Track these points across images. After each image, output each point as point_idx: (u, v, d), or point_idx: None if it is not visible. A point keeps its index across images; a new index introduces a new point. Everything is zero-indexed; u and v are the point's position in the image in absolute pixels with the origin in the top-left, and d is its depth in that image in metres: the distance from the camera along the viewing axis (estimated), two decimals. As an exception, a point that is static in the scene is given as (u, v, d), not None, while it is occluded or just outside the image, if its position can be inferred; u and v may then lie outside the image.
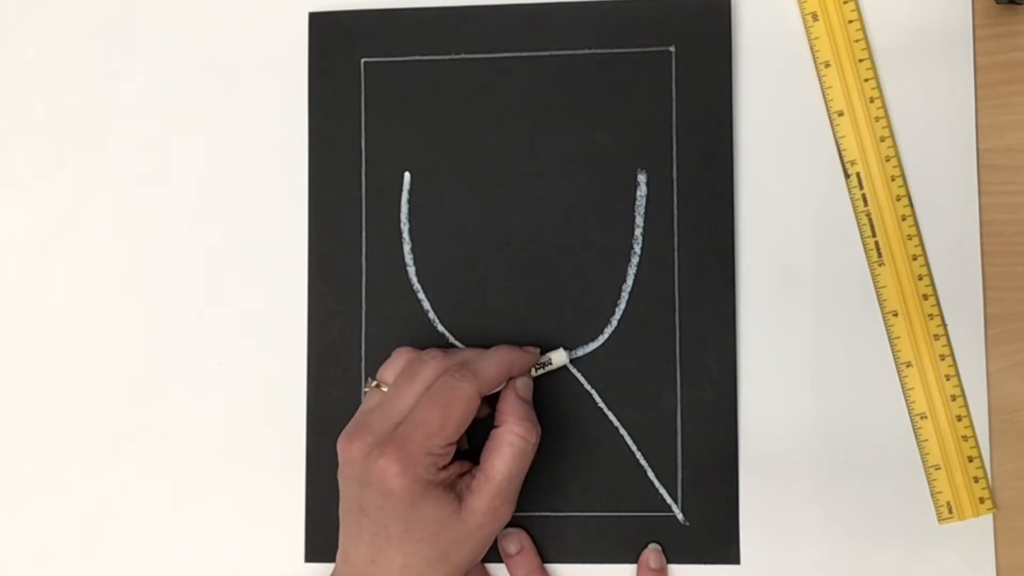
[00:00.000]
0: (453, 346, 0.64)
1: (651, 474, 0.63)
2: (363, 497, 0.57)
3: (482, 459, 0.58)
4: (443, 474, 0.57)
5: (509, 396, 0.60)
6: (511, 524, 0.62)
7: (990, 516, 0.62)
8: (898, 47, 0.63)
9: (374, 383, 0.60)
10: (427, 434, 0.56)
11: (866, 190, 0.63)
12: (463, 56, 0.65)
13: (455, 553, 0.57)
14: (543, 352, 0.63)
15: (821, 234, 0.63)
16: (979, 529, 0.62)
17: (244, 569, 0.65)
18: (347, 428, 0.59)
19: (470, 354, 0.60)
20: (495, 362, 0.59)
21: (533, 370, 0.62)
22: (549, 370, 0.63)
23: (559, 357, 0.63)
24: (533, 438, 0.59)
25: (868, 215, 0.63)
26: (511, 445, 0.58)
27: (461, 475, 0.58)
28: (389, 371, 0.60)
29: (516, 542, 0.63)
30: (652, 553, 0.62)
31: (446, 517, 0.56)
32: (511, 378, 0.60)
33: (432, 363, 0.59)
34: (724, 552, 0.63)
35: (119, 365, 0.66)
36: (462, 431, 0.57)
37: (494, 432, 0.59)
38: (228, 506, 0.65)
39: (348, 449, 0.57)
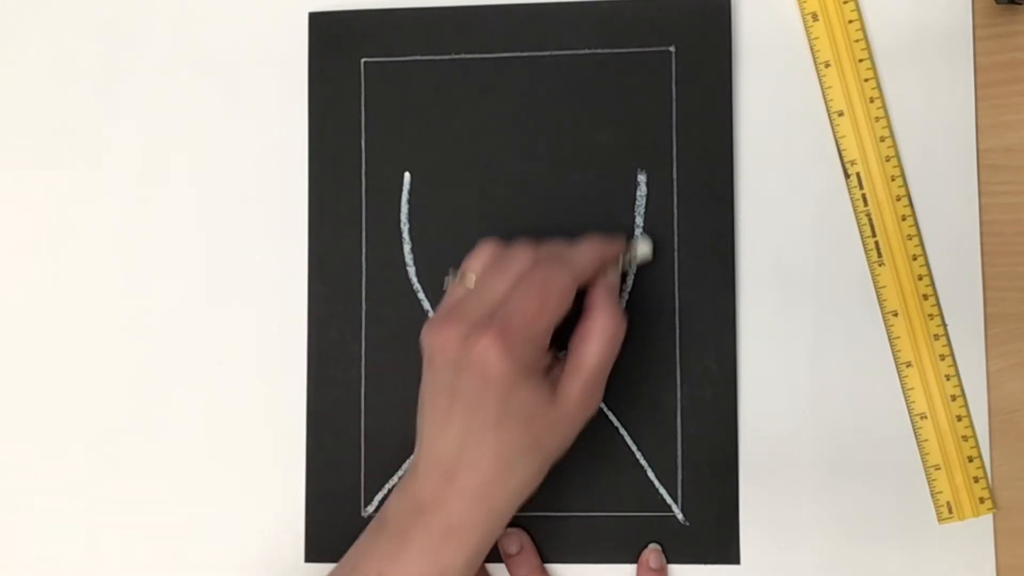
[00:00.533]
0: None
1: (651, 474, 0.63)
2: (459, 382, 0.55)
3: (572, 347, 0.58)
4: (541, 360, 0.57)
5: (599, 287, 0.59)
6: (511, 524, 0.62)
7: (990, 516, 0.62)
8: (898, 47, 0.63)
9: (456, 278, 0.59)
10: (527, 321, 0.55)
11: (866, 190, 0.63)
12: (463, 56, 0.65)
13: (547, 442, 0.56)
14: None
15: (821, 234, 0.63)
16: (979, 529, 0.62)
17: (244, 569, 0.65)
18: (434, 318, 0.58)
19: (559, 246, 0.59)
20: (588, 253, 0.59)
21: (622, 265, 0.62)
22: (635, 264, 0.62)
23: (643, 249, 0.62)
24: (623, 327, 0.58)
25: (868, 215, 0.63)
26: (602, 332, 0.57)
27: (550, 365, 0.58)
28: (476, 263, 0.59)
29: (516, 542, 0.63)
30: (652, 553, 0.62)
31: (541, 403, 0.56)
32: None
33: (523, 253, 0.58)
34: (724, 552, 0.63)
35: (119, 365, 0.66)
36: (559, 319, 0.56)
37: (584, 322, 0.58)
38: (228, 506, 0.65)
39: (441, 334, 0.56)
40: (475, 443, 0.55)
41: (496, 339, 0.54)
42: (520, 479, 0.56)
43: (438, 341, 0.56)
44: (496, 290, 0.57)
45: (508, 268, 0.58)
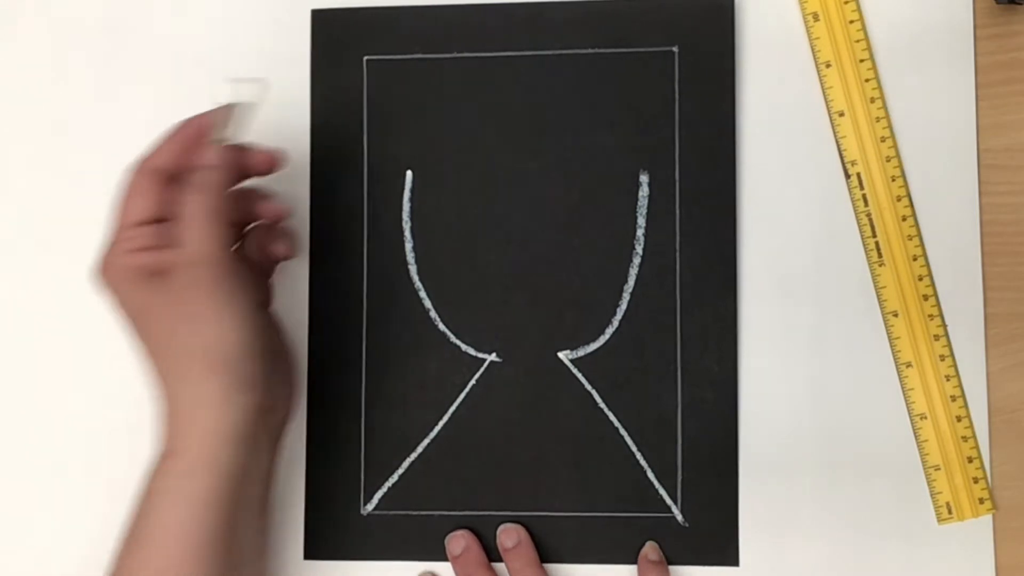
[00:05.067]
0: (454, 346, 0.64)
1: (651, 474, 0.63)
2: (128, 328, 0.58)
3: None
4: (140, 258, 0.56)
5: (194, 177, 0.58)
6: (512, 522, 0.63)
7: (989, 516, 0.62)
8: (899, 47, 0.64)
9: None
10: (114, 230, 0.57)
11: (866, 190, 0.63)
12: (466, 55, 0.65)
13: (182, 338, 0.56)
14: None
15: (822, 234, 0.64)
16: (978, 529, 0.62)
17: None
18: None
19: None
20: (164, 133, 0.59)
21: (224, 127, 0.59)
22: (239, 114, 0.58)
23: (244, 91, 0.59)
24: (199, 197, 0.56)
25: (868, 215, 0.63)
26: (183, 213, 0.56)
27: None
28: None
29: (514, 536, 0.63)
30: (650, 548, 0.63)
31: (153, 301, 0.56)
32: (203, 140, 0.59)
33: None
34: (723, 553, 0.63)
35: (119, 364, 0.65)
36: (139, 210, 0.57)
37: None
38: (228, 503, 0.65)
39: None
40: (162, 367, 0.57)
41: (96, 264, 0.57)
42: (178, 379, 0.57)
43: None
44: None
45: None
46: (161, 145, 0.58)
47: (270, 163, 0.60)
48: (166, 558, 0.55)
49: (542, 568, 0.63)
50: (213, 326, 0.56)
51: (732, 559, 0.63)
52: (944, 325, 0.63)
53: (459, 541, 0.63)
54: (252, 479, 0.59)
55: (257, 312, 0.58)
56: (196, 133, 0.58)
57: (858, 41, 0.63)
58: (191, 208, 0.56)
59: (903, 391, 0.63)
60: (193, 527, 0.56)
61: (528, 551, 0.63)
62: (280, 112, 0.66)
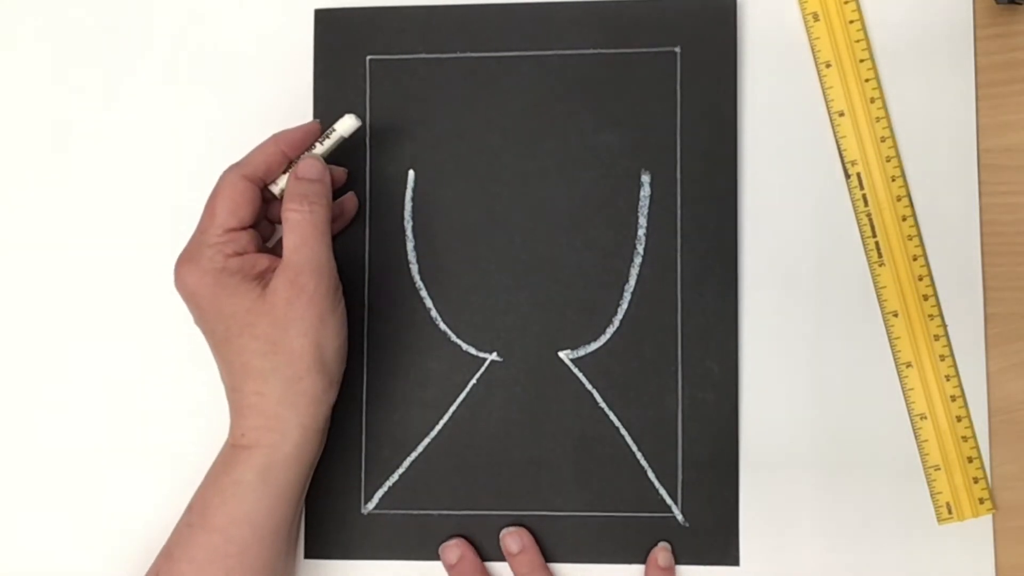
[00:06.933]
0: (455, 345, 0.64)
1: (651, 474, 0.63)
2: (196, 323, 0.59)
3: None
4: (235, 262, 0.58)
5: (289, 179, 0.60)
6: (514, 524, 0.63)
7: (989, 516, 0.62)
8: (899, 47, 0.64)
9: None
10: (202, 229, 0.59)
11: (866, 190, 0.63)
12: (468, 55, 0.65)
13: (282, 340, 0.57)
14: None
15: (822, 234, 0.64)
16: (978, 529, 0.62)
17: (244, 566, 0.65)
18: None
19: None
20: (259, 147, 0.60)
21: (318, 146, 0.61)
22: (336, 141, 0.61)
23: (346, 124, 0.61)
24: (307, 207, 0.58)
25: (868, 215, 0.63)
26: (288, 222, 0.58)
27: (273, 269, 0.59)
28: None
29: (518, 541, 0.62)
30: (661, 551, 0.62)
31: (252, 304, 0.57)
32: (292, 161, 0.61)
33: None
34: (723, 553, 0.63)
35: (120, 363, 0.66)
36: (237, 216, 0.59)
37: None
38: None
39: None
40: (225, 364, 0.59)
41: (179, 261, 0.59)
42: (271, 377, 0.58)
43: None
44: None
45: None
46: (254, 155, 0.60)
47: (342, 179, 0.64)
48: (238, 544, 0.58)
49: (548, 570, 0.63)
50: (319, 329, 0.58)
51: (732, 559, 0.63)
52: (944, 325, 0.63)
53: (453, 550, 0.63)
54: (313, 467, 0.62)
55: (344, 314, 0.60)
56: (288, 146, 0.60)
57: (858, 41, 0.64)
58: (298, 217, 0.58)
59: (903, 391, 0.63)
60: (267, 516, 0.58)
61: (533, 556, 0.63)
62: (283, 112, 0.66)
